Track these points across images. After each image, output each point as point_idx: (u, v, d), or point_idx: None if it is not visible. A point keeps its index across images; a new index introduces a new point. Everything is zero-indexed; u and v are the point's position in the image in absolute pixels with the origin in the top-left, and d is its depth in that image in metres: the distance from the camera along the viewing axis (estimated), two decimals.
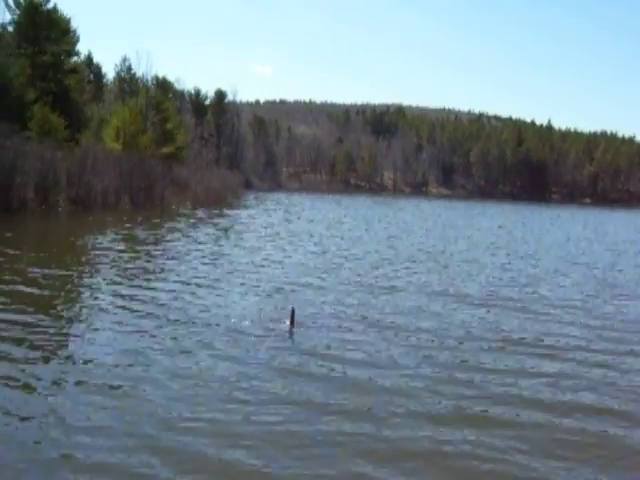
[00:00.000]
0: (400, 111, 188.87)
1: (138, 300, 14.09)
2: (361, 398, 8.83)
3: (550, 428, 8.19)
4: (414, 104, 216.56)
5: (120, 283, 16.17)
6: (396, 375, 9.89)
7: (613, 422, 8.57)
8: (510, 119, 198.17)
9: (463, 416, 8.45)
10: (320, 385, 9.29)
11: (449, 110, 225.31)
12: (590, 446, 7.74)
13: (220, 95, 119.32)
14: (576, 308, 16.16)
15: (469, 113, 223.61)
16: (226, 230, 33.01)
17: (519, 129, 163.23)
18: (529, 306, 15.97)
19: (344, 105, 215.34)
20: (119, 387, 8.76)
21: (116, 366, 9.54)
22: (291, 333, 11.92)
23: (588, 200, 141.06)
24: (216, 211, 46.59)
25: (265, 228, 35.60)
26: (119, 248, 23.05)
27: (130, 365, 9.63)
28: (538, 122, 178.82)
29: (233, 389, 8.85)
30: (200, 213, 44.03)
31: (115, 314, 12.73)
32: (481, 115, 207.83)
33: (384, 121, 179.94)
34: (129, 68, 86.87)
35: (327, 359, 10.49)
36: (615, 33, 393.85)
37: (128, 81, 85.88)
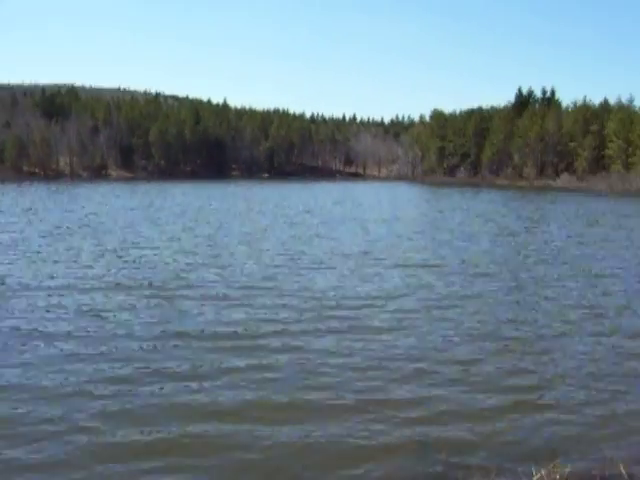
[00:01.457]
0: (72, 92, 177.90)
1: None
2: None
3: None
4: (87, 84, 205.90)
5: None
6: None
7: None
8: (187, 98, 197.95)
9: None
10: None
11: (125, 90, 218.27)
12: None
13: None
14: None
15: (145, 93, 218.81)
16: None
17: (196, 108, 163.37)
18: None
19: (9, 85, 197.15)
20: None
21: None
22: None
23: (266, 175, 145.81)
24: None
25: None
26: None
27: None
28: (214, 101, 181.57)
29: None
30: None
31: None
32: (158, 95, 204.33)
33: (56, 103, 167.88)
34: None
35: None
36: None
37: None
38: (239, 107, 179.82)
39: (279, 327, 14.26)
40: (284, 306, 16.26)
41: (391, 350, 12.73)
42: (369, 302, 16.89)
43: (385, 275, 21.11)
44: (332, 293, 17.99)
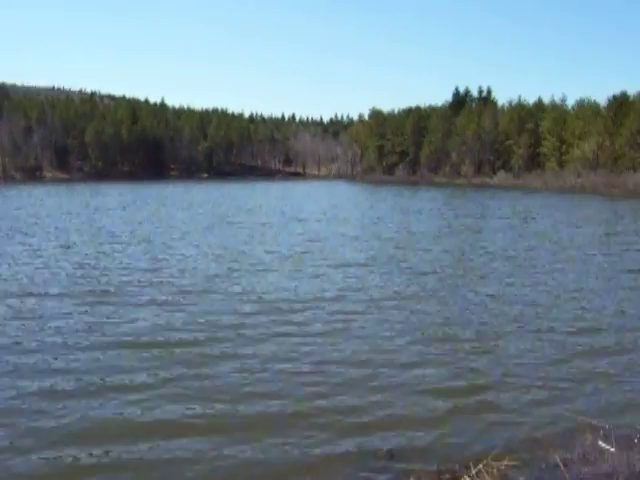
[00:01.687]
0: (3, 90, 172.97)
1: None
2: None
3: None
4: (19, 83, 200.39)
5: None
6: None
7: None
8: (124, 98, 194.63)
9: None
10: None
11: (59, 89, 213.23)
12: None
13: None
14: None
15: (81, 92, 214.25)
16: None
17: (133, 108, 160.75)
18: None
19: None
20: None
21: None
22: None
23: (205, 175, 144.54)
24: None
25: None
26: None
27: None
28: (152, 100, 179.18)
29: None
30: None
31: None
32: (93, 94, 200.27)
33: None
34: None
35: None
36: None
37: None
38: (177, 106, 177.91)
39: (218, 333, 13.91)
40: (224, 311, 15.89)
41: (334, 354, 12.54)
42: (311, 304, 16.68)
43: (326, 275, 21.00)
44: (273, 296, 17.72)
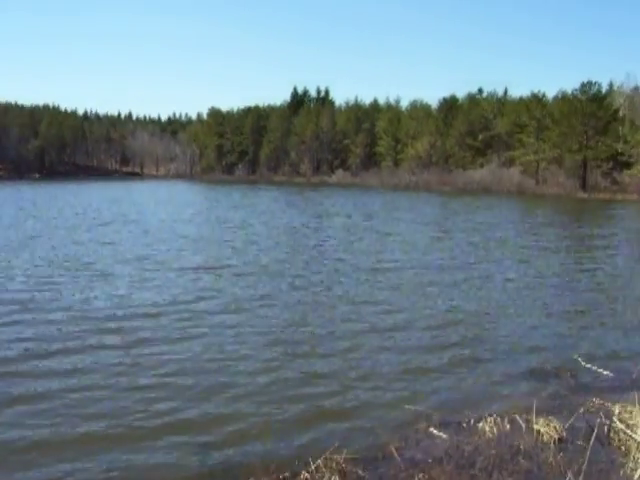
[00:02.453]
0: None
1: None
2: None
3: None
4: None
5: None
6: None
7: None
8: None
9: None
10: None
11: None
12: None
13: None
14: None
15: None
16: None
17: None
18: None
19: None
20: None
21: None
22: None
23: (37, 175, 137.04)
24: None
25: None
26: None
27: None
28: None
29: None
30: None
31: None
32: None
33: None
34: None
35: None
36: None
37: None
38: (4, 102, 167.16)
39: (52, 347, 13.01)
40: (60, 322, 14.96)
41: (181, 364, 12.14)
42: (154, 310, 16.13)
43: (168, 280, 20.46)
44: (113, 303, 16.97)
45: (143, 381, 11.18)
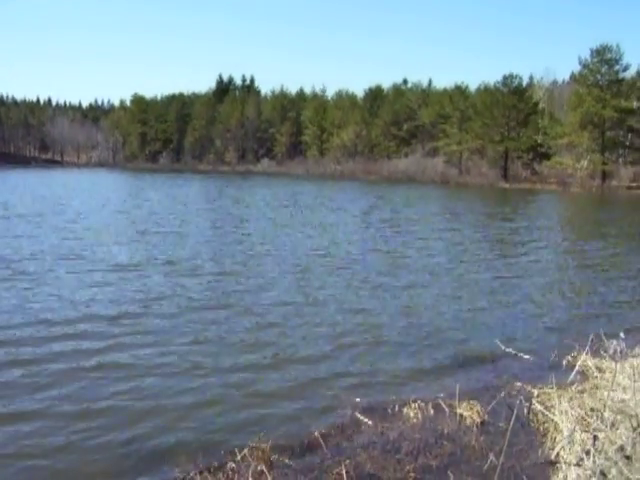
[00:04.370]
0: None
1: None
2: None
3: None
4: None
5: None
6: None
7: None
8: None
9: None
10: None
11: None
12: None
13: None
14: None
15: None
16: None
17: None
18: None
19: None
20: None
21: None
22: None
23: None
24: None
25: None
26: None
27: None
28: None
29: None
30: None
31: None
32: None
33: None
34: None
35: None
36: None
37: None
38: None
39: None
40: None
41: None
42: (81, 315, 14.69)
43: (88, 280, 18.60)
44: (34, 307, 15.29)
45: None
